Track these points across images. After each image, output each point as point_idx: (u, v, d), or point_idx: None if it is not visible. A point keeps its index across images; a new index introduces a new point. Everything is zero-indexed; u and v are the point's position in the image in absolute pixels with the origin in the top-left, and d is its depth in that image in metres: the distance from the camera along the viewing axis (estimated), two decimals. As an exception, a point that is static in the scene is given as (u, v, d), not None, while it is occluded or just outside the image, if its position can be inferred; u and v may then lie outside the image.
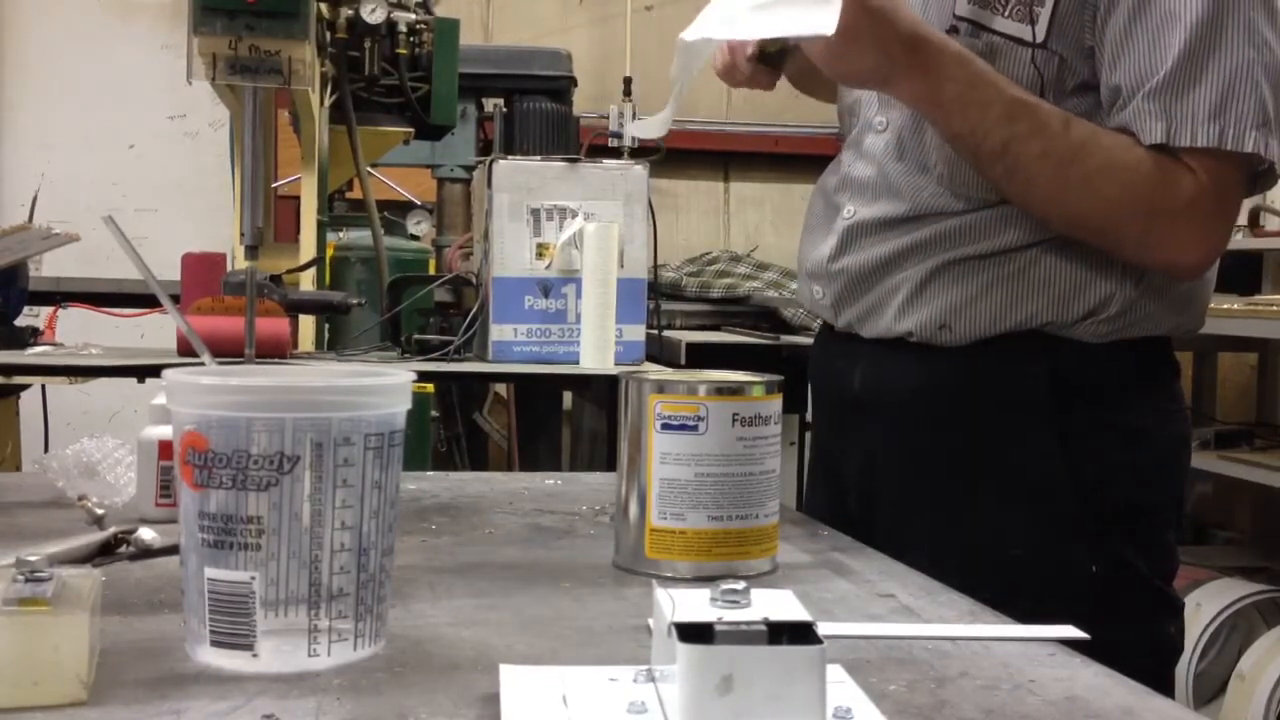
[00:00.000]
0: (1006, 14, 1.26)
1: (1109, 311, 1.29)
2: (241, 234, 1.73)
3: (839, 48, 1.20)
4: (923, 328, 1.33)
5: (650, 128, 1.39)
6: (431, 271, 3.44)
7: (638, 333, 1.77)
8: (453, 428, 3.87)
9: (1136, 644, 0.93)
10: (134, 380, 1.66)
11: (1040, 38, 1.25)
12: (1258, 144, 1.20)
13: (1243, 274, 3.56)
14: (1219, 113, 1.20)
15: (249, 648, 0.71)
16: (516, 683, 0.69)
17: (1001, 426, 1.30)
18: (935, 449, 1.34)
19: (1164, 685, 0.99)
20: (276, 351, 1.67)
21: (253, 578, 0.71)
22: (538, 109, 3.66)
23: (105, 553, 0.91)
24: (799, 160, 4.60)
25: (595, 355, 1.70)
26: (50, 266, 3.14)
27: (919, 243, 1.33)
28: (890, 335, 1.36)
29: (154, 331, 3.08)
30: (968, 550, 1.21)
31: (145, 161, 4.67)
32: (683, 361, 2.83)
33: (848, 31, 1.17)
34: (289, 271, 1.94)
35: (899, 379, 1.36)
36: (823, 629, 0.62)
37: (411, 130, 2.37)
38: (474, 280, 1.94)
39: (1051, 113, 1.24)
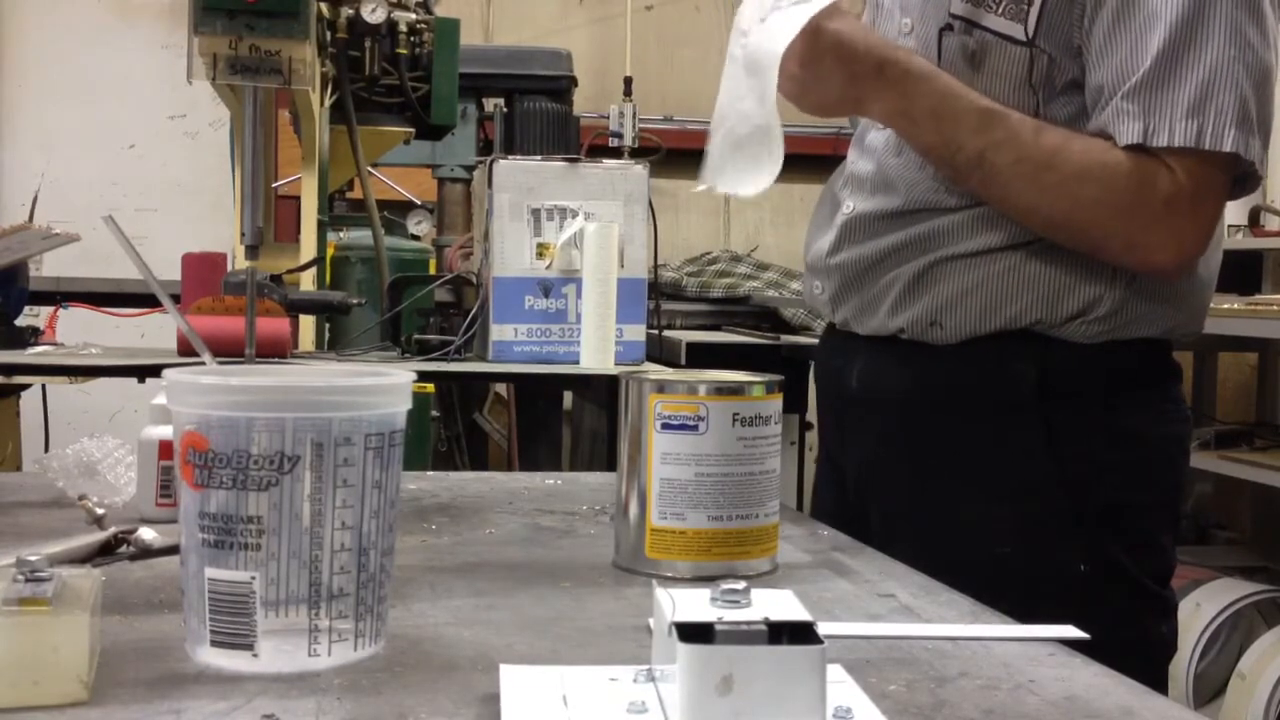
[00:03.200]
0: (999, 12, 1.27)
1: (1098, 312, 1.29)
2: (241, 234, 1.73)
3: (804, 81, 1.25)
4: (914, 324, 1.34)
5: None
6: (431, 271, 3.44)
7: (638, 333, 1.76)
8: (453, 428, 3.87)
9: (1126, 643, 0.93)
10: (134, 380, 1.66)
11: (1030, 35, 1.25)
12: (1237, 143, 1.20)
13: (1243, 274, 3.56)
14: (1197, 111, 1.20)
15: (249, 647, 0.71)
16: (516, 683, 0.69)
17: (990, 425, 1.31)
18: (926, 446, 1.35)
19: (1156, 685, 0.98)
20: (277, 351, 1.67)
21: (253, 578, 0.71)
22: (538, 109, 3.66)
23: (105, 553, 0.91)
24: (799, 160, 4.58)
25: (595, 355, 1.70)
26: (50, 266, 3.15)
27: (912, 239, 1.34)
28: (884, 332, 1.36)
29: (154, 331, 3.09)
30: (956, 549, 1.21)
31: (145, 161, 4.67)
32: (683, 361, 2.83)
33: (808, 64, 1.22)
34: (289, 271, 1.94)
35: (891, 376, 1.37)
36: (823, 629, 0.62)
37: (412, 130, 2.38)
38: (474, 280, 1.94)
39: (1023, 121, 1.25)
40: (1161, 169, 1.22)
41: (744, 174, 1.25)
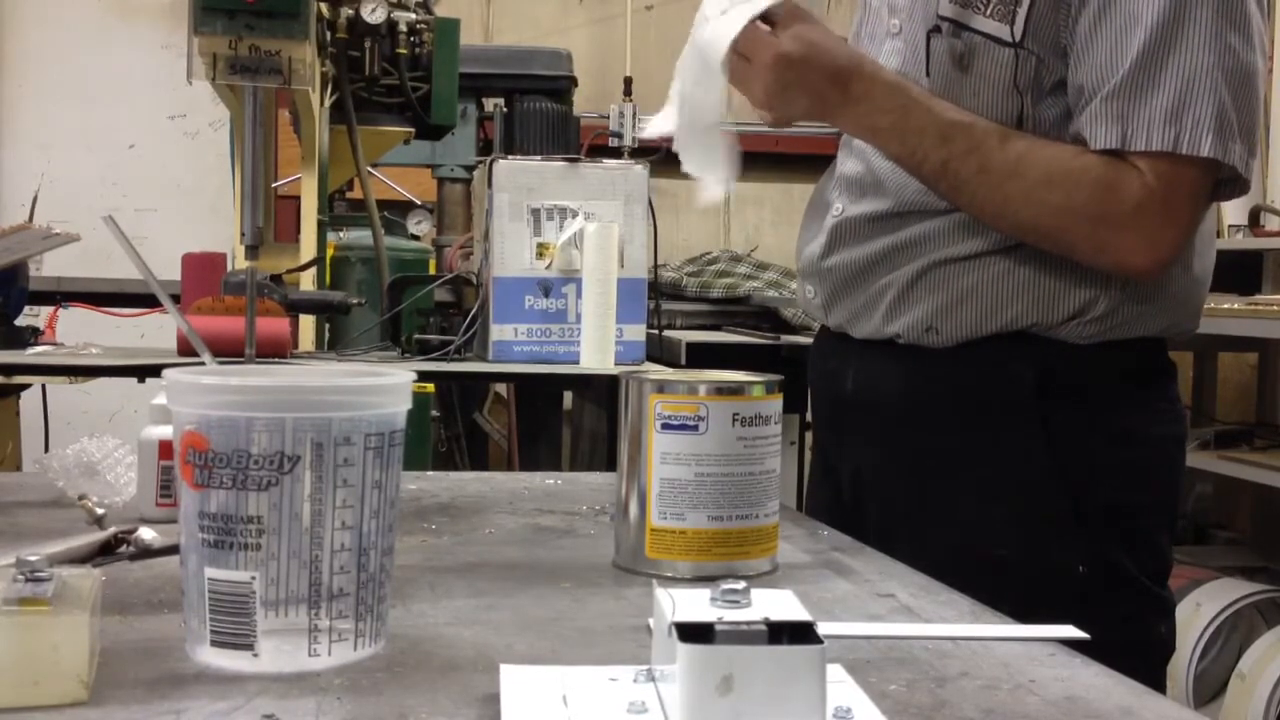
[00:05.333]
0: (987, 13, 1.27)
1: (1095, 313, 1.29)
2: (241, 234, 1.73)
3: (774, 97, 1.26)
4: (910, 330, 1.34)
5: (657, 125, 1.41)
6: (431, 271, 3.44)
7: (638, 333, 1.77)
8: (453, 428, 3.87)
9: (1126, 644, 0.93)
10: (134, 380, 1.67)
11: (1018, 37, 1.25)
12: (1214, 149, 1.20)
13: (1243, 274, 3.56)
14: (1175, 117, 1.20)
15: (249, 647, 0.71)
16: (516, 683, 0.69)
17: (988, 427, 1.31)
18: (924, 449, 1.35)
19: (1155, 685, 0.99)
20: (276, 351, 1.67)
21: (253, 578, 0.71)
22: (538, 109, 3.66)
23: (105, 553, 0.91)
24: (799, 160, 4.60)
25: (595, 355, 1.70)
26: (50, 266, 3.15)
27: (905, 243, 1.34)
28: (879, 337, 1.37)
29: (154, 331, 3.09)
30: (955, 550, 1.21)
31: (145, 161, 4.67)
32: (683, 361, 2.83)
33: (778, 82, 1.24)
34: (289, 271, 1.94)
35: (888, 380, 1.37)
36: (823, 629, 0.62)
37: (411, 130, 2.38)
38: (474, 280, 1.94)
39: (988, 130, 1.25)
40: (1132, 173, 1.22)
41: (709, 166, 1.30)
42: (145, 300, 2.71)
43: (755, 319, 3.51)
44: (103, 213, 1.13)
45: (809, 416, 1.69)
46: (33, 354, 1.80)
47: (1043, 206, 1.25)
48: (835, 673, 0.70)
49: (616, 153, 3.91)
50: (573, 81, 3.81)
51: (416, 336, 1.84)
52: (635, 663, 0.70)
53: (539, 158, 1.77)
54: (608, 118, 4.15)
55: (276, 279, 1.82)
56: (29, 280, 2.01)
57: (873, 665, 0.77)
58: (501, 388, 4.01)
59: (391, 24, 2.25)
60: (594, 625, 0.85)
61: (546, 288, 1.74)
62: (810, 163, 4.85)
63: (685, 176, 1.28)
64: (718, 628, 0.61)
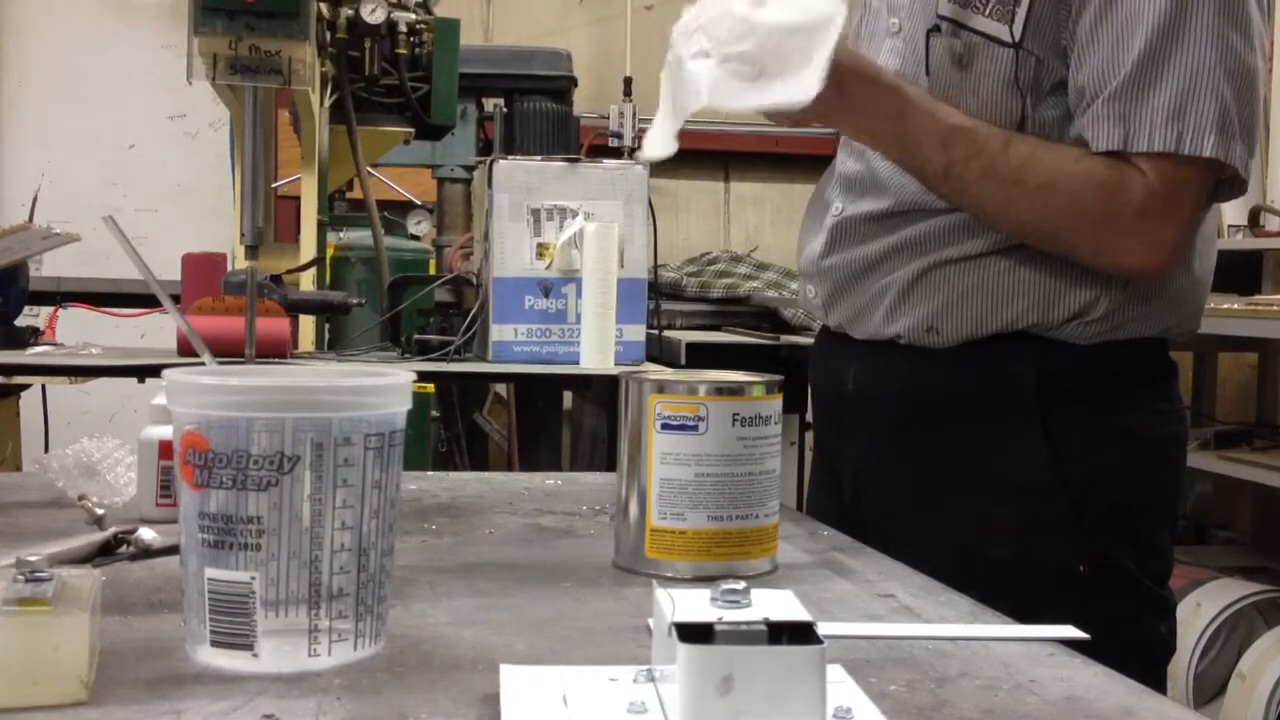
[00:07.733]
0: (986, 13, 1.26)
1: (1096, 313, 1.29)
2: (241, 234, 1.73)
3: None
4: (911, 330, 1.34)
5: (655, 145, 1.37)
6: (431, 271, 3.44)
7: (638, 333, 1.77)
8: (453, 428, 3.87)
9: (1126, 643, 0.93)
10: (134, 380, 1.67)
11: (1017, 37, 1.25)
12: (1217, 149, 1.19)
13: (1243, 274, 3.56)
14: (1177, 116, 1.19)
15: (249, 648, 0.71)
16: (516, 683, 0.69)
17: (989, 427, 1.31)
18: (924, 449, 1.35)
19: (1155, 685, 0.98)
20: (276, 351, 1.67)
21: (253, 578, 0.71)
22: (538, 109, 3.66)
23: (105, 553, 0.91)
24: (799, 160, 4.60)
25: (595, 355, 1.70)
26: (50, 266, 3.14)
27: (905, 243, 1.34)
28: (880, 337, 1.36)
29: (154, 331, 3.09)
30: (955, 550, 1.21)
31: (145, 161, 4.67)
32: (683, 361, 2.83)
33: None
34: (289, 271, 1.94)
35: (889, 380, 1.37)
36: (823, 629, 0.62)
37: (411, 130, 2.38)
38: (474, 280, 1.94)
39: (990, 134, 1.25)
40: (1135, 175, 1.22)
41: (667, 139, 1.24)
42: (145, 300, 2.71)
43: (755, 319, 3.51)
44: (103, 213, 1.13)
45: (809, 416, 1.69)
46: (33, 354, 1.81)
47: (1046, 210, 1.25)
48: (835, 673, 0.70)
49: (616, 153, 3.91)
50: (573, 81, 3.81)
51: (416, 336, 1.84)
52: (635, 663, 0.70)
53: (539, 158, 1.77)
54: (608, 118, 4.15)
55: (276, 279, 1.82)
56: (29, 280, 2.01)
57: (873, 665, 0.77)
58: (501, 388, 4.01)
59: (391, 24, 2.25)
60: (594, 625, 0.85)
61: (546, 288, 1.74)
62: (810, 163, 4.85)
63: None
64: (718, 628, 0.61)
